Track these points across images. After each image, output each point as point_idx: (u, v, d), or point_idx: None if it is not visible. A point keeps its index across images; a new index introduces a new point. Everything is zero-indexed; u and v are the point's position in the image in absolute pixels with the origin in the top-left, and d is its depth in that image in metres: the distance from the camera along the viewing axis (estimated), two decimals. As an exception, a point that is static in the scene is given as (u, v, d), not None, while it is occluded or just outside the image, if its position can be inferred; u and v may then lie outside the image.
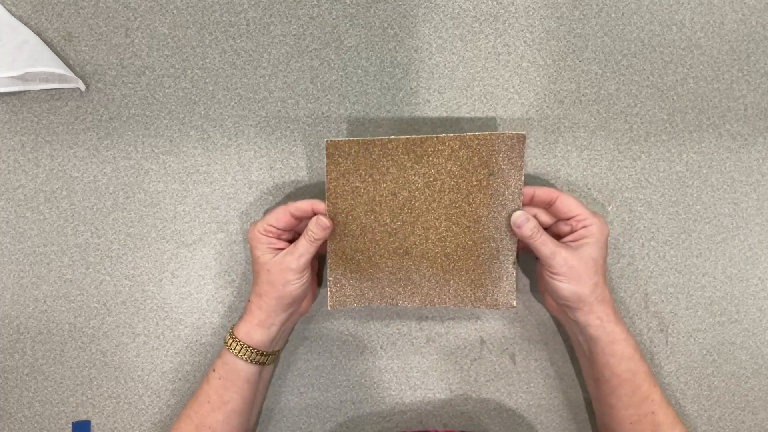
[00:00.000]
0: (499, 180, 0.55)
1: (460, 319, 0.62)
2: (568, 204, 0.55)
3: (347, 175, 0.55)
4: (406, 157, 0.55)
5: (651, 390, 0.54)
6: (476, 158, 0.55)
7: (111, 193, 0.61)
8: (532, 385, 0.62)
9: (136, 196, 0.61)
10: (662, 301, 0.62)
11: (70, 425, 0.61)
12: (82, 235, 0.61)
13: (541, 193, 0.56)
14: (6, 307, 0.61)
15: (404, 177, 0.55)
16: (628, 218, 0.62)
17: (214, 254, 0.61)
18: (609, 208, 0.62)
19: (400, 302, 0.58)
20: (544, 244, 0.53)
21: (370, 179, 0.55)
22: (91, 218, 0.61)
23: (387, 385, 0.62)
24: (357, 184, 0.55)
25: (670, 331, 0.62)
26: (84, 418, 0.61)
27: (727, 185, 0.62)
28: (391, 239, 0.56)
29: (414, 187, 0.55)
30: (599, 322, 0.53)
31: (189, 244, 0.61)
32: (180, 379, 0.61)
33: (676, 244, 0.62)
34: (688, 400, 0.62)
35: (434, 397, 0.62)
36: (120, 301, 0.61)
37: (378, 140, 0.54)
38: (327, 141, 0.54)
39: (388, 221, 0.56)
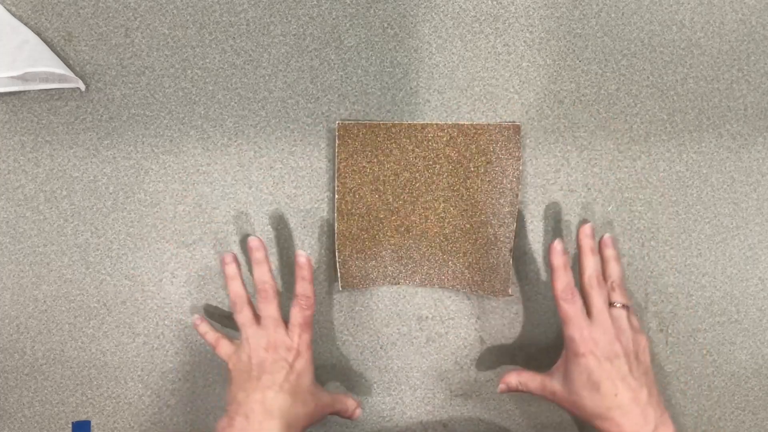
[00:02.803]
0: (497, 168, 0.59)
1: (460, 319, 0.62)
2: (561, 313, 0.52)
3: (355, 155, 0.59)
4: (408, 140, 0.59)
5: None
6: (474, 146, 0.59)
7: (111, 193, 0.61)
8: (532, 385, 0.62)
9: (136, 196, 0.61)
10: (662, 301, 0.62)
11: (70, 425, 0.61)
12: (82, 235, 0.61)
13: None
14: (6, 307, 0.61)
15: (406, 159, 0.59)
16: (628, 218, 0.62)
17: (214, 254, 0.61)
18: (609, 208, 0.62)
19: (402, 282, 0.61)
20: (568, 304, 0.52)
21: (375, 159, 0.59)
22: (91, 218, 0.61)
23: (387, 385, 0.62)
24: (363, 164, 0.59)
25: (670, 331, 0.62)
26: (84, 418, 0.61)
27: (727, 185, 0.62)
28: (394, 217, 0.60)
29: (414, 169, 0.60)
30: None
31: (189, 244, 0.61)
32: (180, 379, 0.61)
33: (676, 244, 0.62)
34: (688, 400, 0.62)
35: (434, 397, 0.62)
36: (120, 301, 0.61)
37: (383, 124, 0.59)
38: (338, 123, 0.59)
39: (390, 200, 0.60)
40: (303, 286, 0.55)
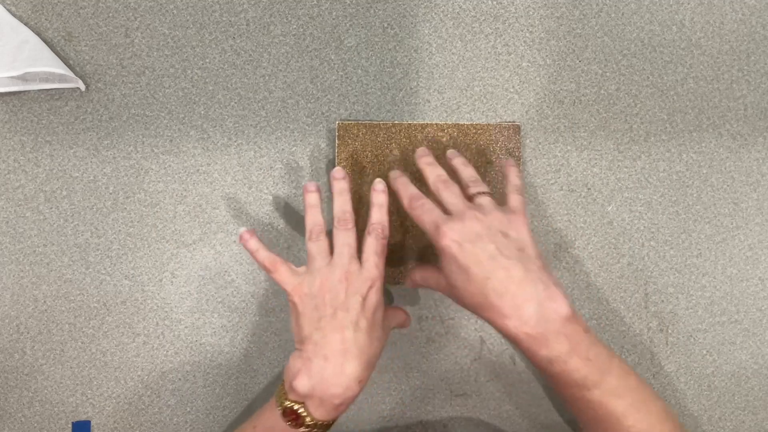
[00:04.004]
0: (497, 168, 0.59)
1: (460, 319, 0.62)
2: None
3: (355, 155, 0.59)
4: (408, 140, 0.60)
5: (582, 393, 0.47)
6: (474, 146, 0.60)
7: (111, 193, 0.61)
8: (532, 385, 0.62)
9: (136, 196, 0.61)
10: (662, 301, 0.62)
11: (70, 425, 0.61)
12: (82, 235, 0.61)
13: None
14: (6, 307, 0.61)
15: (406, 159, 0.59)
16: (628, 218, 0.62)
17: (214, 254, 0.61)
18: (609, 208, 0.62)
19: (402, 281, 0.60)
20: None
21: (375, 159, 0.60)
22: (91, 218, 0.61)
23: (387, 386, 0.62)
24: (364, 164, 0.59)
25: (670, 331, 0.62)
26: (84, 418, 0.61)
27: (727, 185, 0.62)
28: (394, 217, 0.60)
29: (414, 169, 0.59)
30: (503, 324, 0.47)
31: (189, 244, 0.61)
32: (180, 379, 0.61)
33: (676, 244, 0.62)
34: (688, 400, 0.62)
35: (434, 398, 0.62)
36: (120, 301, 0.61)
37: (383, 124, 0.60)
38: (338, 123, 0.59)
39: (390, 200, 0.59)
40: (380, 214, 0.52)
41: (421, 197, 0.51)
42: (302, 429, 0.49)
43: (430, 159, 0.54)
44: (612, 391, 0.47)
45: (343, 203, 0.53)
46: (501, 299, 0.46)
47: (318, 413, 0.48)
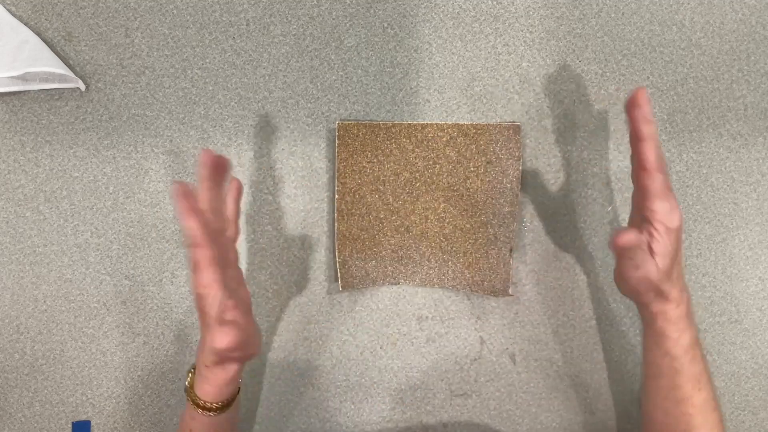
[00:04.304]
0: (497, 168, 0.59)
1: (460, 319, 0.62)
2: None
3: (355, 155, 0.59)
4: (408, 140, 0.60)
5: (693, 393, 0.51)
6: (474, 146, 0.60)
7: (111, 193, 0.61)
8: (532, 385, 0.62)
9: (136, 196, 0.61)
10: (662, 301, 0.62)
11: (70, 425, 0.61)
12: (82, 235, 0.61)
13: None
14: (6, 307, 0.61)
15: (406, 159, 0.60)
16: (628, 218, 0.62)
17: (214, 254, 0.61)
18: (609, 208, 0.62)
19: (402, 282, 0.61)
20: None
21: (375, 159, 0.59)
22: (91, 218, 0.61)
23: (387, 385, 0.62)
24: (363, 164, 0.59)
25: (670, 331, 0.62)
26: (84, 418, 0.61)
27: (727, 185, 0.62)
28: (394, 217, 0.60)
29: (414, 169, 0.60)
30: (668, 308, 0.50)
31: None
32: (180, 379, 0.61)
33: (676, 244, 0.62)
34: (688, 400, 0.62)
35: (434, 397, 0.62)
36: (120, 301, 0.61)
37: (383, 124, 0.59)
38: (338, 123, 0.59)
39: (390, 200, 0.60)
40: (187, 221, 0.44)
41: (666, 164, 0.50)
42: (191, 404, 0.50)
43: (649, 110, 0.49)
44: (711, 402, 0.52)
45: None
46: (676, 285, 0.50)
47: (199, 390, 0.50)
